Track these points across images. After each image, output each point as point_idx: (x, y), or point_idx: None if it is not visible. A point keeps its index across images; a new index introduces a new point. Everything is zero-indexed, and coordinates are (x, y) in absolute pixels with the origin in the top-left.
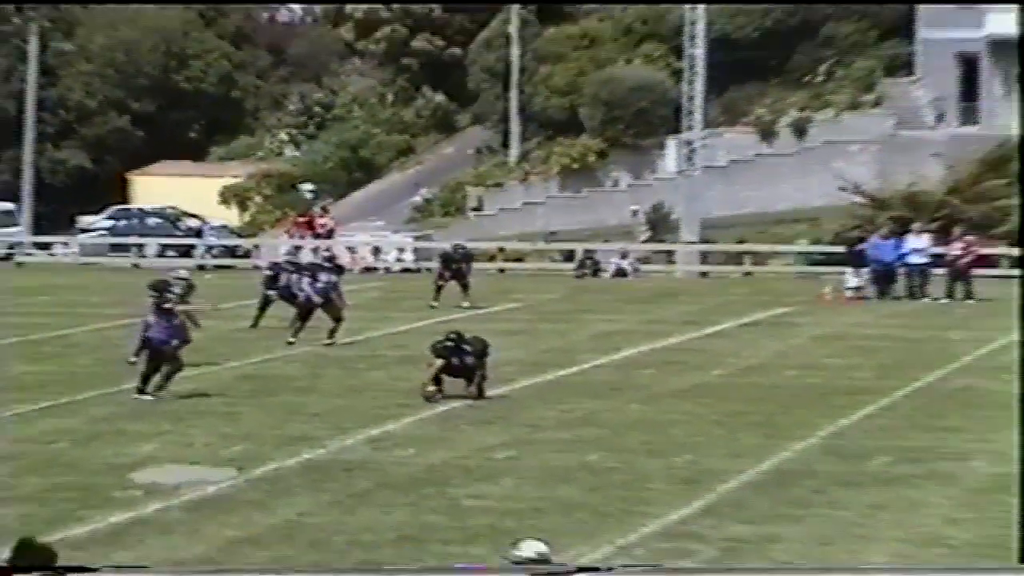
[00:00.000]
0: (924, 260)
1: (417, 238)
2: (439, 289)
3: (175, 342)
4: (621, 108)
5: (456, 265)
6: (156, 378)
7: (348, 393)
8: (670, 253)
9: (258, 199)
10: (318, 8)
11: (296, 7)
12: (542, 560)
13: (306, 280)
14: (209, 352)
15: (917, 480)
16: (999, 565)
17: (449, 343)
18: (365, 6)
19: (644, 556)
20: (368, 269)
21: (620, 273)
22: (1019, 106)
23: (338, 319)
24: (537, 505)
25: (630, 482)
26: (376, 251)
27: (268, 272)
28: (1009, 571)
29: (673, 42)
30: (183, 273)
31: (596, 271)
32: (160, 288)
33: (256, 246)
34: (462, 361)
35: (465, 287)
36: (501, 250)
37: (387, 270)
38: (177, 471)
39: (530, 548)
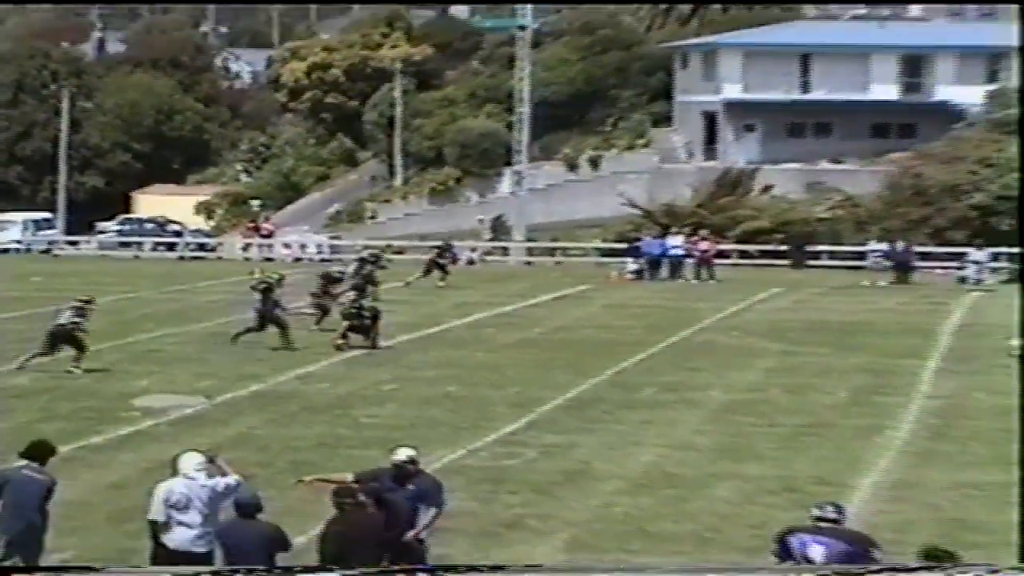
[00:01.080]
0: (680, 253)
1: (331, 238)
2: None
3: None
4: (471, 148)
5: (370, 267)
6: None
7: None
8: (505, 249)
9: (220, 211)
10: (262, 79)
11: (246, 77)
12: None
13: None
14: (187, 317)
15: (674, 404)
16: (999, 565)
17: (353, 309)
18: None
19: (487, 457)
20: (297, 259)
21: (470, 263)
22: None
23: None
24: (413, 422)
25: (477, 406)
26: (303, 246)
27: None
28: (1009, 571)
29: (506, 103)
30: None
31: (454, 260)
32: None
33: (220, 243)
34: (362, 322)
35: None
36: (389, 246)
37: (310, 260)
38: (164, 398)
39: (404, 452)
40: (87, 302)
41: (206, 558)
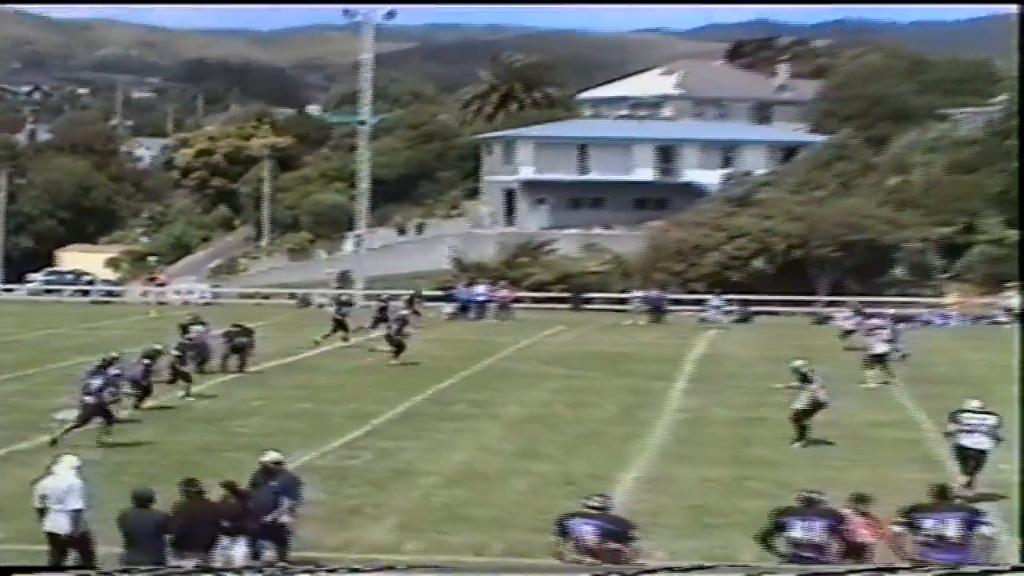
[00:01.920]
0: (484, 299)
1: (212, 286)
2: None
3: None
4: (322, 216)
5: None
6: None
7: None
8: (350, 295)
9: (125, 265)
10: (159, 161)
11: (146, 160)
12: (277, 462)
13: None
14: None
15: (480, 417)
16: (1000, 565)
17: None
18: (183, 163)
19: (333, 458)
20: (185, 303)
21: (320, 306)
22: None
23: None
24: (275, 431)
25: (325, 419)
26: (189, 293)
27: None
28: (1009, 571)
29: (350, 181)
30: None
31: (308, 304)
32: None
33: (124, 291)
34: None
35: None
36: (257, 294)
37: (195, 303)
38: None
39: (271, 455)
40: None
41: (75, 539)
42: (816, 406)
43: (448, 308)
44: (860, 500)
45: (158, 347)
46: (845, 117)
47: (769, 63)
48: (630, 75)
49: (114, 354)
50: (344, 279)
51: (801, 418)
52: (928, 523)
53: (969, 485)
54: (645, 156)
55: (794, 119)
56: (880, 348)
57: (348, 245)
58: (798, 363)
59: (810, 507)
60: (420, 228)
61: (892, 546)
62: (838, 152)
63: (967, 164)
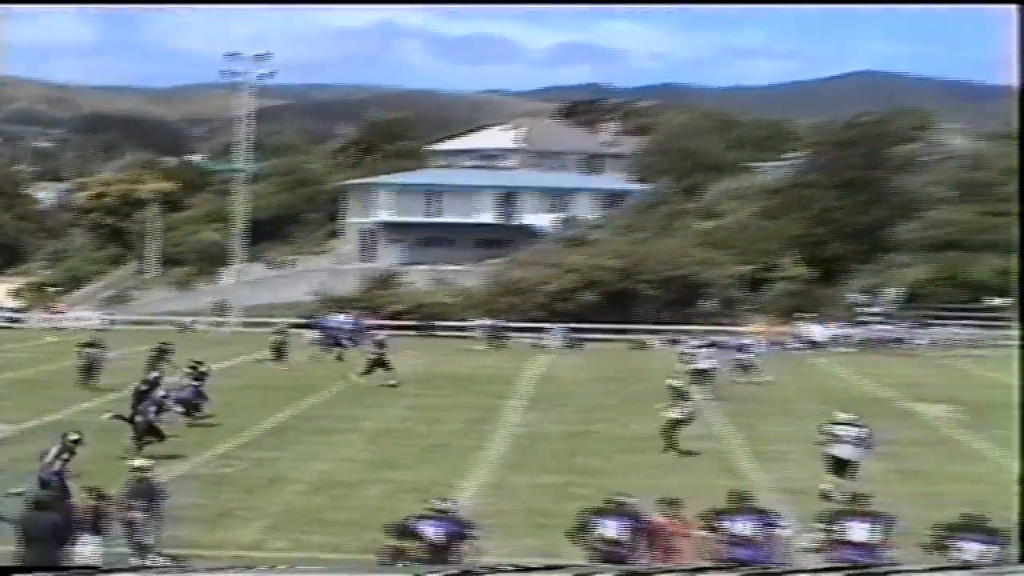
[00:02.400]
0: (349, 326)
1: (105, 314)
2: None
3: None
4: (204, 253)
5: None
6: None
7: (62, 386)
8: (227, 321)
9: (28, 295)
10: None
11: (49, 202)
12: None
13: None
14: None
15: (343, 431)
16: (999, 565)
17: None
18: (81, 205)
19: (213, 466)
20: (81, 329)
21: (204, 330)
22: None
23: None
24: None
25: (205, 431)
26: (86, 319)
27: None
28: (1009, 571)
29: (229, 222)
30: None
31: (187, 329)
32: None
33: (27, 317)
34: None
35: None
36: (144, 321)
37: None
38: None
39: (138, 461)
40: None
41: None
42: (688, 420)
43: (310, 335)
44: (669, 504)
45: (203, 369)
46: (664, 169)
47: (598, 121)
48: (476, 130)
49: (155, 374)
50: (221, 308)
51: (671, 430)
52: (728, 524)
53: (837, 488)
54: (488, 202)
55: (620, 170)
56: (705, 364)
57: (226, 278)
58: (674, 382)
59: (618, 508)
60: (291, 264)
61: (696, 545)
62: (658, 199)
63: (770, 211)
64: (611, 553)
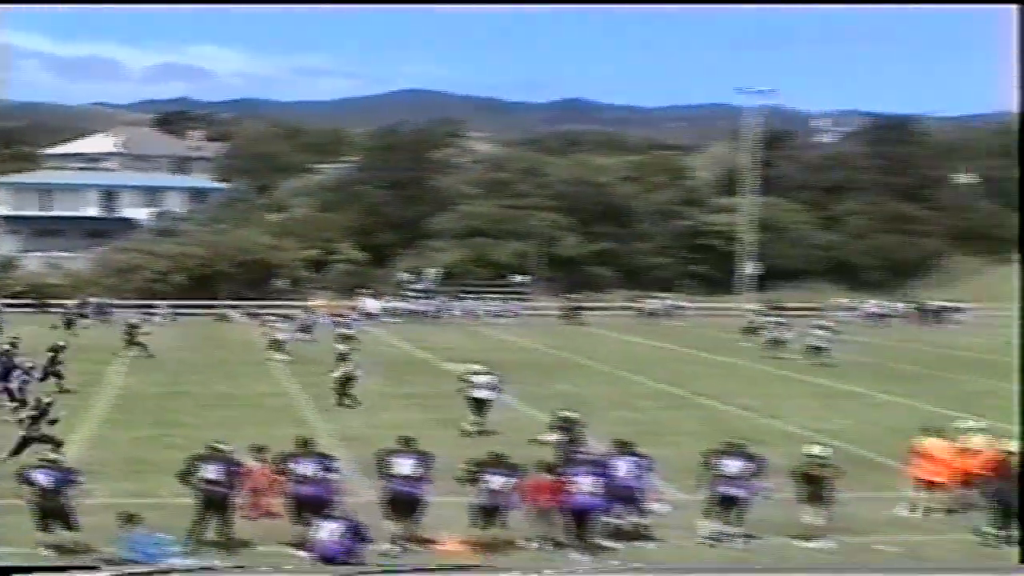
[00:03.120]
0: None
1: None
2: None
3: None
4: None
5: None
6: None
7: None
8: None
9: None
10: None
11: None
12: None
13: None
14: None
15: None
16: (999, 565)
17: None
18: None
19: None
20: None
21: None
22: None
23: None
24: None
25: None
26: None
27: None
28: (1009, 571)
29: None
30: None
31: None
32: None
33: None
34: None
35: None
36: None
37: None
38: None
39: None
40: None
41: None
42: (350, 379)
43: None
44: (258, 450)
45: None
46: (241, 170)
47: (187, 130)
48: (83, 137)
49: None
50: None
51: (342, 386)
52: (293, 466)
53: (479, 424)
54: (94, 198)
55: (205, 171)
56: (282, 336)
57: None
58: (341, 347)
59: (217, 454)
60: None
61: (269, 485)
62: (236, 196)
63: (329, 205)
64: (212, 492)
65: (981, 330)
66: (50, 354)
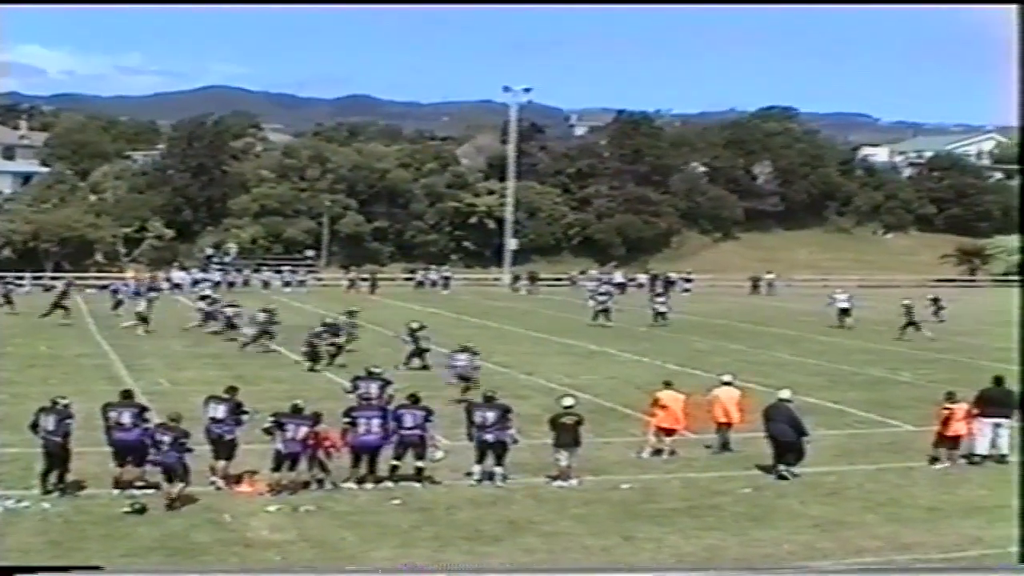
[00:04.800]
0: None
1: None
2: None
3: None
4: None
5: None
6: None
7: None
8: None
9: None
10: None
11: None
12: None
13: None
14: None
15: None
16: (999, 565)
17: None
18: None
19: None
20: None
21: None
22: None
23: None
24: None
25: None
26: None
27: None
28: (1009, 571)
29: None
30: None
31: None
32: None
33: None
34: None
35: None
36: None
37: None
38: None
39: None
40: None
41: None
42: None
43: None
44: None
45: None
46: (63, 156)
47: (14, 120)
48: None
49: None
50: None
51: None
52: (114, 415)
53: None
54: None
55: (31, 157)
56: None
57: None
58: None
59: (56, 408)
60: None
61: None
62: (59, 178)
63: (140, 187)
64: (49, 442)
65: (707, 297)
66: None
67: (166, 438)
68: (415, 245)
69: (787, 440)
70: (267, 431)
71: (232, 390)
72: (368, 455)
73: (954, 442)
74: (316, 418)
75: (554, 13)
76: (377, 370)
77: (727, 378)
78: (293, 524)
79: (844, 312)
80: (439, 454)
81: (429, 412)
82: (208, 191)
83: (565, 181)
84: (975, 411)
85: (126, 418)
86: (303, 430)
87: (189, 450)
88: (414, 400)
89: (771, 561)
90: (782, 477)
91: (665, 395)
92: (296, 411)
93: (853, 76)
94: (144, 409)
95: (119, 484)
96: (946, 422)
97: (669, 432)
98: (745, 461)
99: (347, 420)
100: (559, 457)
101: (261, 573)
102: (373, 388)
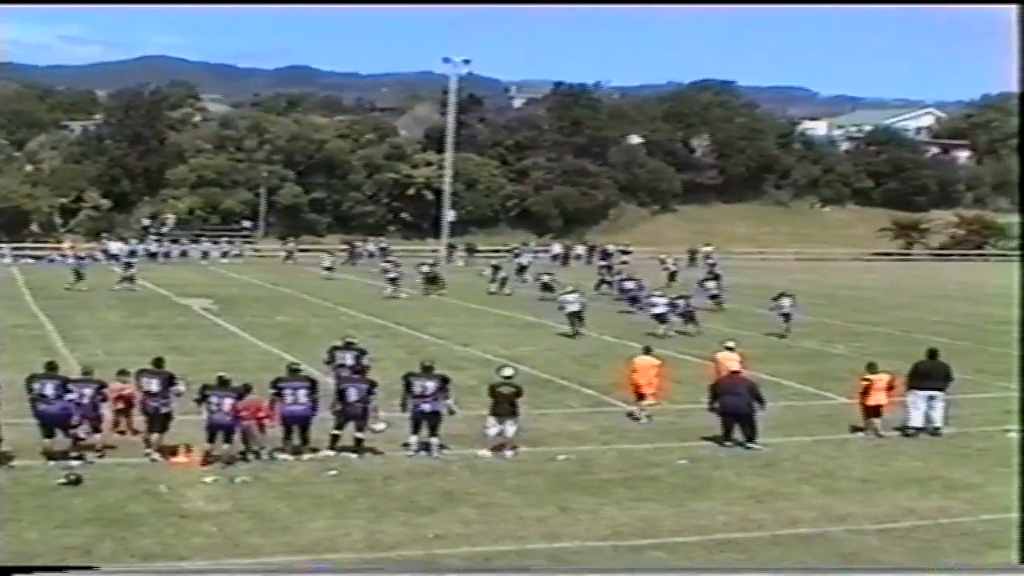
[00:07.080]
0: None
1: None
2: None
3: None
4: None
5: None
6: None
7: None
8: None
9: None
10: None
11: None
12: None
13: None
14: None
15: None
16: (999, 565)
17: None
18: None
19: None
20: None
21: None
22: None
23: None
24: None
25: None
26: None
27: None
28: (1009, 571)
29: None
30: None
31: None
32: None
33: None
34: None
35: None
36: None
37: None
38: None
39: None
40: None
41: None
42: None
43: None
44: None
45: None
46: None
47: None
48: None
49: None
50: None
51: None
52: (37, 386)
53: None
54: None
55: None
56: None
57: None
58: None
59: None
60: None
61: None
62: None
63: (76, 157)
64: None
65: (644, 271)
66: None
67: (87, 391)
68: (352, 216)
69: (744, 413)
70: (198, 402)
71: (159, 362)
72: (298, 426)
73: (875, 412)
74: (245, 389)
75: None
76: (353, 340)
77: (731, 344)
78: (229, 495)
79: (786, 317)
80: (380, 426)
81: (372, 384)
82: (145, 161)
83: (503, 153)
84: (911, 384)
85: (49, 390)
86: (228, 401)
87: (105, 399)
88: (359, 372)
89: (706, 532)
90: (746, 449)
91: (639, 360)
92: (223, 383)
93: (793, 50)
94: (67, 381)
95: (51, 456)
96: (866, 392)
97: (642, 395)
98: (681, 433)
99: (273, 391)
100: (487, 424)
101: (259, 572)
102: (348, 358)
